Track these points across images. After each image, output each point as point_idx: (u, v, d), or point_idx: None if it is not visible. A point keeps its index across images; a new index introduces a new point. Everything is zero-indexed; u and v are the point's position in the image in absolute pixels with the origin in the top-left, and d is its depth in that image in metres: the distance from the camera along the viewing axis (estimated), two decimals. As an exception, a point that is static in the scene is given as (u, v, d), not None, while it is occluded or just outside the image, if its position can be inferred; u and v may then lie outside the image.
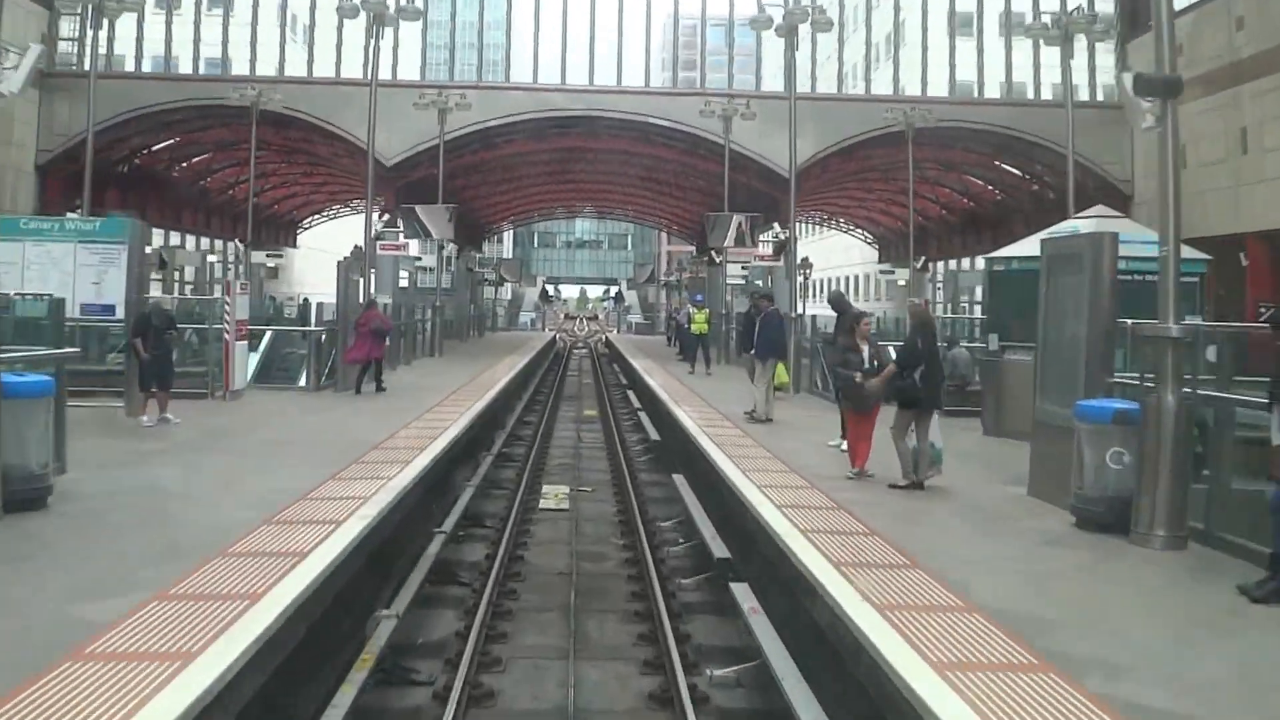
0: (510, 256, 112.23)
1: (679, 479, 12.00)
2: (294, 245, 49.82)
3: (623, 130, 32.28)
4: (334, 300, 19.83)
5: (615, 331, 61.78)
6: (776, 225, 34.36)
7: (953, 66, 32.86)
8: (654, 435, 16.46)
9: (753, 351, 14.42)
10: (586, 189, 48.32)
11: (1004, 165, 34.43)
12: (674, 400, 17.16)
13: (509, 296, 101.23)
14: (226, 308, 15.44)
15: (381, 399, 16.78)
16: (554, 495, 12.25)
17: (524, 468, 13.99)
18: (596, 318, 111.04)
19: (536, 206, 52.01)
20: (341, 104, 28.91)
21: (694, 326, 22.75)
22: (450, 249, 38.75)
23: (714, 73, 38.63)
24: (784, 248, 26.33)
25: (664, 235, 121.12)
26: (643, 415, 18.80)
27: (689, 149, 32.64)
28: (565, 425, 19.56)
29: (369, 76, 23.89)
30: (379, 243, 28.97)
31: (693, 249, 52.94)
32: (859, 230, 52.33)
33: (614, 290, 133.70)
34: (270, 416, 13.93)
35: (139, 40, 31.13)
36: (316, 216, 50.84)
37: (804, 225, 66.09)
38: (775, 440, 12.65)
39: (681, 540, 9.96)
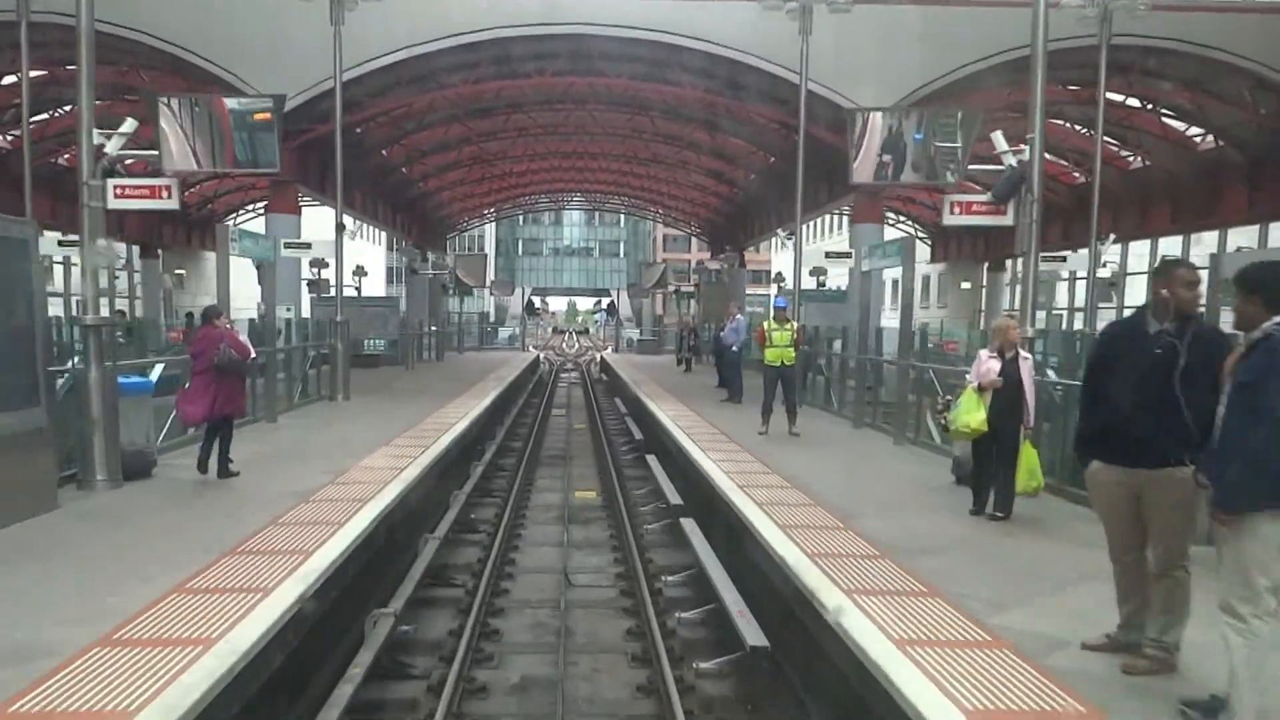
0: (492, 267, 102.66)
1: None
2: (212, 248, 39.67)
3: (625, 58, 22.48)
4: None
5: (610, 349, 51.15)
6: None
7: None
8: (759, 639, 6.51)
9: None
10: (573, 167, 38.51)
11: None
12: (799, 544, 7.41)
13: (489, 309, 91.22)
14: None
15: (177, 509, 8.41)
16: None
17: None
18: (587, 331, 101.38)
19: (511, 193, 41.89)
20: (202, 18, 19.13)
21: (770, 352, 12.82)
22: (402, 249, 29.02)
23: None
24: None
25: (660, 238, 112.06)
26: (700, 548, 8.74)
27: (725, 83, 22.72)
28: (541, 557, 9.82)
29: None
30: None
31: (688, 253, 41.92)
32: (904, 219, 42.17)
33: (606, 301, 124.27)
34: None
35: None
36: (244, 213, 40.75)
37: (811, 226, 56.52)
38: None
39: None
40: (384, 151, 28.21)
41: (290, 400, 15.46)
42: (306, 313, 23.87)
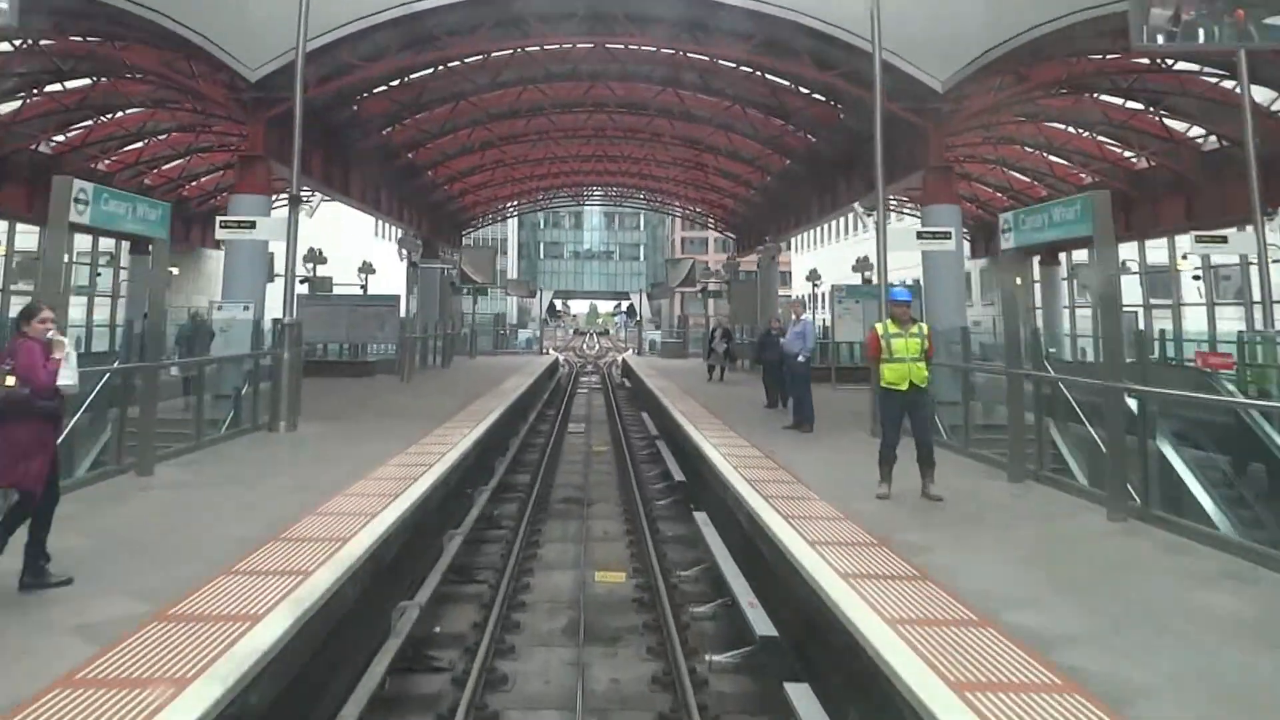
0: (514, 270, 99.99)
1: None
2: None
3: (656, 18, 19.42)
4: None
5: (631, 351, 48.32)
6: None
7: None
8: None
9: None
10: (596, 154, 35.54)
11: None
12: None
13: (512, 311, 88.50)
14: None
15: None
16: None
17: None
18: (607, 333, 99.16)
19: (527, 186, 38.89)
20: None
21: (890, 369, 8.78)
22: (409, 244, 26.09)
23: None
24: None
25: (678, 240, 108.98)
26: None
27: (764, 45, 19.60)
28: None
29: None
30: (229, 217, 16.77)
31: (706, 254, 38.35)
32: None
33: (625, 304, 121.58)
34: None
35: None
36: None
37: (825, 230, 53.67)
38: None
39: None
40: (384, 132, 25.33)
41: (200, 437, 11.53)
42: (279, 311, 20.58)
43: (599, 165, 36.63)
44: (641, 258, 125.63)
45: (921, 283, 19.46)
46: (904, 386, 8.79)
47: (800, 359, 14.38)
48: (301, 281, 29.24)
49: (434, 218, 34.36)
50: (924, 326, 9.17)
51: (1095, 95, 21.84)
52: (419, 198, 31.69)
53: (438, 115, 25.79)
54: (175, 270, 34.77)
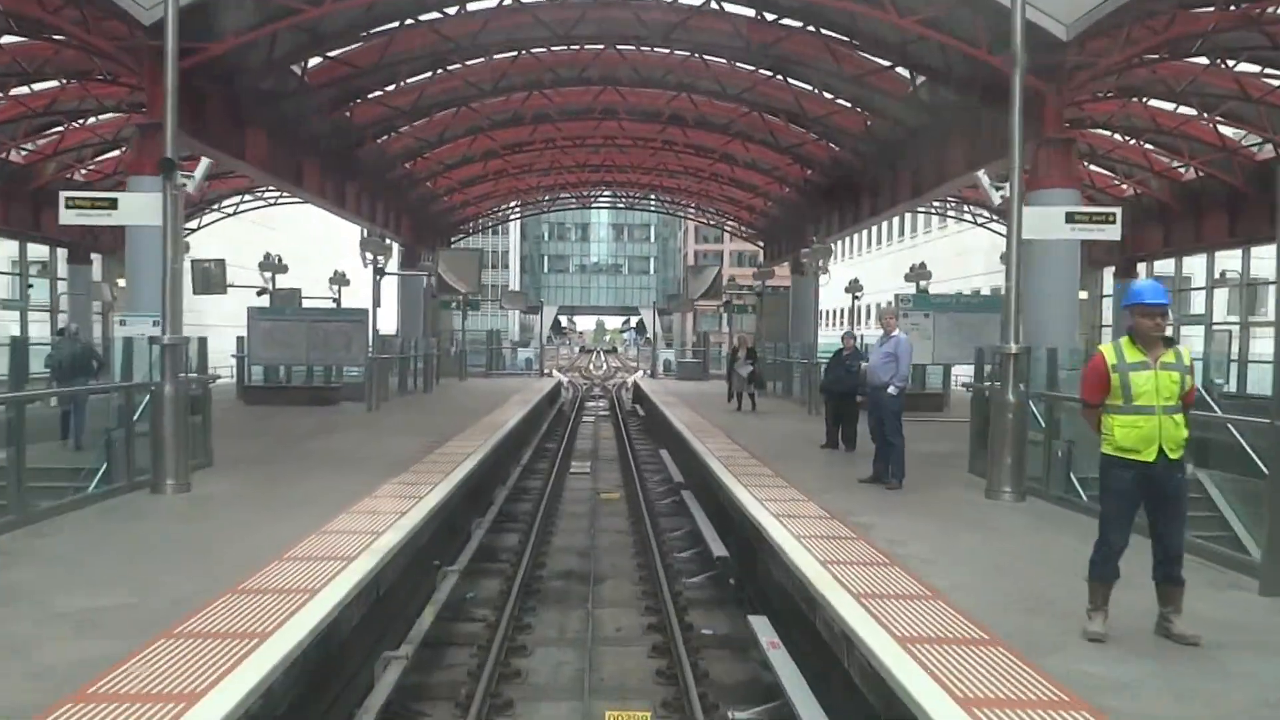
0: (516, 284, 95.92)
1: None
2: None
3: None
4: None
5: (642, 372, 43.42)
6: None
7: None
8: None
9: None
10: (605, 164, 31.37)
11: None
12: None
13: (513, 327, 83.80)
14: None
15: None
16: None
17: None
18: (615, 350, 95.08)
19: (527, 183, 34.36)
20: None
21: (1125, 427, 4.77)
22: (388, 250, 21.59)
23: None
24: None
25: (690, 254, 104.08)
26: None
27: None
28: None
29: None
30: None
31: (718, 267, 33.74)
32: (994, 219, 33.96)
33: (634, 320, 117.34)
34: None
35: None
36: (214, 211, 33.44)
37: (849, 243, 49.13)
38: None
39: None
40: (347, 113, 21.11)
41: (24, 507, 7.66)
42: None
43: (608, 175, 33.82)
44: (651, 271, 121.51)
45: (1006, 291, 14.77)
46: (1149, 455, 5.03)
47: (891, 391, 10.19)
48: (259, 293, 25.07)
49: (416, 220, 30.05)
50: (1184, 352, 5.13)
51: (1229, 62, 17.43)
52: (395, 195, 27.42)
53: (412, 95, 21.57)
54: (123, 282, 30.53)
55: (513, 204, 36.63)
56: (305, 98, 18.90)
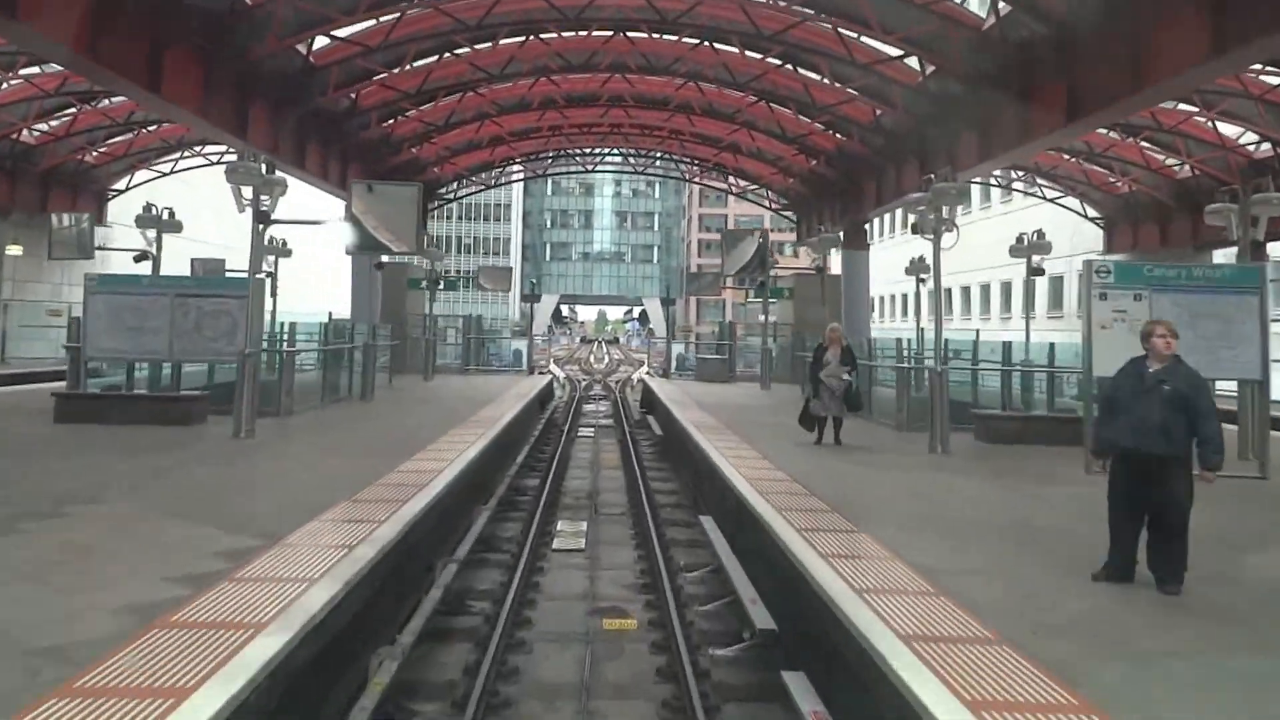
0: (518, 275, 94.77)
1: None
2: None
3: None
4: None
5: (646, 368, 39.14)
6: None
7: None
8: None
9: None
10: (608, 136, 30.63)
11: None
12: None
13: (514, 315, 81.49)
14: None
15: None
16: None
17: None
18: (617, 341, 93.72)
19: (524, 127, 29.45)
20: None
21: None
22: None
23: None
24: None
25: (695, 241, 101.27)
26: None
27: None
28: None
29: None
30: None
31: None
32: (1066, 194, 29.56)
33: (638, 310, 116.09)
34: None
35: None
36: (144, 170, 29.48)
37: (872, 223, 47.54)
38: None
39: None
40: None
41: None
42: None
43: (613, 141, 32.99)
44: (655, 260, 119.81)
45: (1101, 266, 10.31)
46: None
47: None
48: (137, 259, 17.31)
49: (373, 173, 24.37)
50: None
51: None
52: (342, 137, 23.04)
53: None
54: (17, 249, 27.42)
55: (509, 165, 34.47)
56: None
